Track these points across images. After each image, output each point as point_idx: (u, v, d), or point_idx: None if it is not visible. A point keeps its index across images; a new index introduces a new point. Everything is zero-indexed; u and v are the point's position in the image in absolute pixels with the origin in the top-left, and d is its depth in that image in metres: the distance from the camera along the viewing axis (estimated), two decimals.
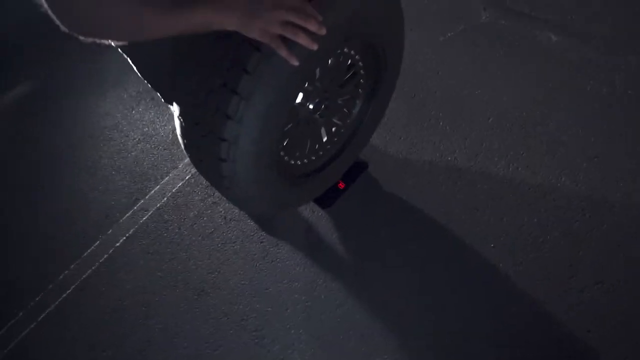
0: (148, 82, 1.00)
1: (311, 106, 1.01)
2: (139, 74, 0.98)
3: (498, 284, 1.19)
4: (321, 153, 1.18)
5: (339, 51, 0.96)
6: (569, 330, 1.09)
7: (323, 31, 0.65)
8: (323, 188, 1.28)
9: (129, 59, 0.93)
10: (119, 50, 0.92)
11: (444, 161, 1.45)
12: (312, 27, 0.63)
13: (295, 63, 0.68)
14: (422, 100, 1.62)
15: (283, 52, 0.66)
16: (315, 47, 0.66)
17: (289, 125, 0.99)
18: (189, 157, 0.95)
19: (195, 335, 1.26)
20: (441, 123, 1.55)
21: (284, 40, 0.66)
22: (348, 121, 1.19)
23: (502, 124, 1.49)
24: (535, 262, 1.20)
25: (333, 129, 1.17)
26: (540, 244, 1.23)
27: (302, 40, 0.64)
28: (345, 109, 1.15)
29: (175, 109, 0.88)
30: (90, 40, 0.64)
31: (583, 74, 1.55)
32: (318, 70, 0.95)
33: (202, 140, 0.84)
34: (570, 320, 1.10)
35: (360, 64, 1.06)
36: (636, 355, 1.04)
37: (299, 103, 0.99)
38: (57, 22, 0.59)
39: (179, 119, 0.87)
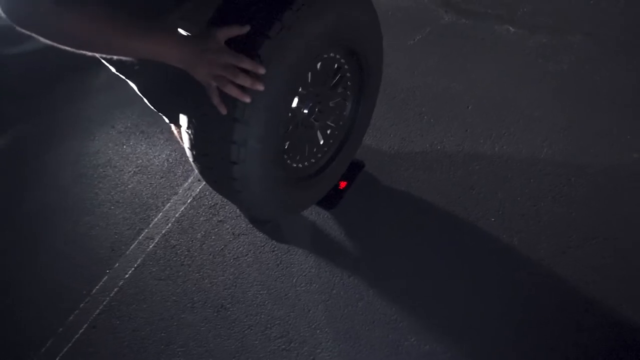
0: (150, 102, 1.04)
1: (306, 110, 1.09)
2: (140, 95, 1.02)
3: (504, 253, 1.26)
4: (320, 155, 1.25)
5: (325, 56, 1.05)
6: (573, 284, 1.16)
7: (261, 70, 0.73)
8: (325, 190, 1.34)
9: (129, 82, 0.98)
10: (119, 75, 0.97)
11: (434, 150, 1.54)
12: (248, 65, 0.72)
13: (247, 100, 0.75)
14: (403, 100, 1.73)
15: (234, 92, 0.73)
16: (260, 87, 0.74)
17: (289, 129, 1.06)
18: (197, 168, 0.99)
19: (221, 352, 1.25)
20: (425, 117, 1.66)
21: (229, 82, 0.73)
22: (341, 122, 1.27)
23: (481, 109, 1.61)
24: (535, 228, 1.28)
25: (328, 132, 1.25)
26: (535, 211, 1.31)
27: (242, 80, 0.72)
28: (337, 111, 1.23)
29: (182, 121, 0.93)
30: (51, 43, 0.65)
31: (542, 57, 1.71)
32: (310, 74, 1.03)
33: (210, 147, 0.89)
34: (574, 274, 1.17)
35: (346, 67, 1.16)
36: (632, 301, 1.11)
37: (295, 107, 1.06)
38: (12, 23, 0.60)
39: (187, 132, 0.92)
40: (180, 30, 0.87)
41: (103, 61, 0.90)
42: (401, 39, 1.95)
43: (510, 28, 1.85)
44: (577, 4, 1.85)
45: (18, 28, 0.61)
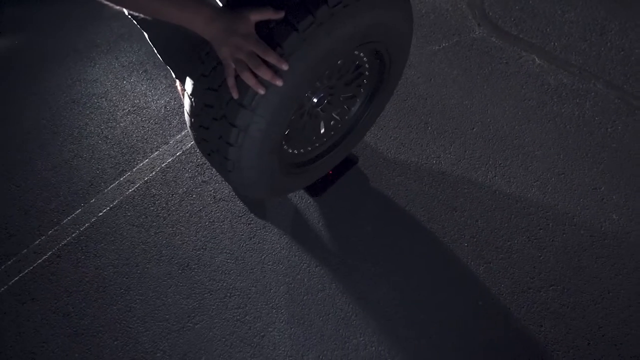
0: (161, 55, 1.00)
1: (315, 100, 1.06)
2: (152, 46, 0.98)
3: (468, 279, 1.29)
4: (317, 145, 1.23)
5: (349, 55, 1.01)
6: (526, 323, 1.21)
7: (285, 66, 0.72)
8: (315, 177, 1.33)
9: (143, 31, 0.94)
10: (134, 21, 0.92)
11: (430, 163, 1.54)
12: (273, 60, 0.70)
13: (261, 92, 0.74)
14: (413, 105, 1.71)
15: (251, 82, 0.72)
16: (279, 83, 0.73)
17: (294, 117, 1.03)
18: (194, 135, 0.97)
19: (178, 309, 1.28)
20: (429, 128, 1.64)
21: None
22: (347, 117, 1.25)
23: (485, 134, 1.60)
24: (502, 262, 1.32)
25: (331, 123, 1.23)
26: (508, 247, 1.35)
27: (263, 72, 0.71)
28: (345, 106, 1.21)
29: (187, 86, 0.90)
30: None
31: (558, 97, 1.70)
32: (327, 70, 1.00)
33: (212, 122, 0.87)
34: (528, 315, 1.22)
35: (367, 66, 1.12)
36: (578, 348, 1.17)
37: (305, 96, 1.03)
38: None
39: (190, 98, 0.89)
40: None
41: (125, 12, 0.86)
42: (427, 43, 1.90)
43: (536, 59, 1.82)
44: (615, 49, 1.81)
45: None
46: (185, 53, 0.93)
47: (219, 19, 0.70)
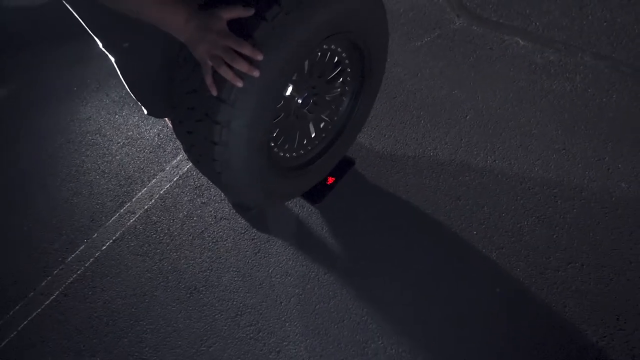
0: (130, 88, 1.00)
1: (300, 101, 1.06)
2: (126, 86, 0.99)
3: (482, 267, 1.25)
4: (310, 148, 1.23)
5: (326, 47, 1.02)
6: (549, 306, 1.16)
7: (259, 57, 0.74)
8: (311, 183, 1.32)
9: (112, 59, 0.94)
10: (112, 60, 0.93)
11: (427, 156, 1.52)
12: (247, 51, 0.72)
13: (239, 84, 0.75)
14: (403, 101, 1.71)
15: (228, 75, 0.74)
16: (256, 73, 0.74)
17: (279, 117, 1.03)
18: (183, 146, 0.97)
19: (189, 334, 1.25)
20: (422, 121, 1.63)
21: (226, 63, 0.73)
22: (336, 118, 1.24)
23: (479, 120, 1.59)
24: (515, 246, 1.28)
25: (321, 125, 1.22)
26: (518, 229, 1.31)
27: (239, 64, 0.72)
28: (333, 106, 1.21)
29: (170, 98, 0.91)
30: None
31: (547, 74, 1.68)
32: (306, 63, 1.00)
33: (196, 125, 0.87)
34: (550, 296, 1.18)
35: (347, 62, 1.12)
36: (607, 325, 1.12)
37: (288, 96, 1.03)
38: None
39: (174, 106, 0.90)
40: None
41: (92, 35, 0.88)
42: (409, 39, 1.91)
43: (520, 41, 1.82)
44: (597, 21, 1.81)
45: None
46: (155, 81, 0.94)
47: (193, 19, 0.72)
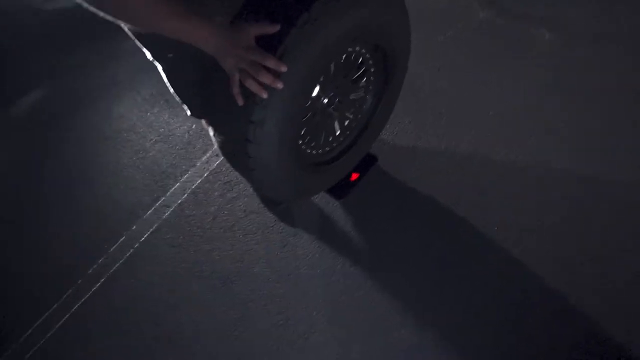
0: (176, 91, 1.08)
1: (325, 100, 1.11)
2: (167, 80, 1.06)
3: (506, 264, 1.29)
4: (335, 145, 1.28)
5: (350, 49, 1.06)
6: (568, 302, 1.20)
7: (283, 69, 0.78)
8: (337, 178, 1.38)
9: (160, 68, 1.01)
10: (159, 69, 1.00)
11: (450, 152, 1.55)
12: (272, 64, 0.77)
13: (264, 95, 0.80)
14: (425, 98, 1.72)
15: (253, 87, 0.79)
16: (279, 85, 0.79)
17: (307, 116, 1.09)
18: (218, 142, 1.04)
19: (224, 320, 1.35)
20: (444, 118, 1.65)
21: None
22: (360, 116, 1.29)
23: (501, 116, 1.59)
24: (536, 242, 1.30)
25: (346, 123, 1.27)
26: (540, 226, 1.33)
27: (264, 77, 0.77)
28: (357, 104, 1.25)
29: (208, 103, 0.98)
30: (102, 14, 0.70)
31: (574, 69, 1.66)
32: (333, 65, 1.05)
33: (231, 124, 0.94)
34: (570, 293, 1.21)
35: (370, 62, 1.16)
36: (632, 324, 1.14)
37: (315, 96, 1.08)
38: None
39: (211, 110, 0.98)
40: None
41: (139, 45, 0.95)
42: (432, 34, 1.90)
43: (547, 34, 1.79)
44: (637, 14, 1.75)
45: None
46: (197, 86, 1.01)
47: (222, 34, 0.77)
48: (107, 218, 1.69)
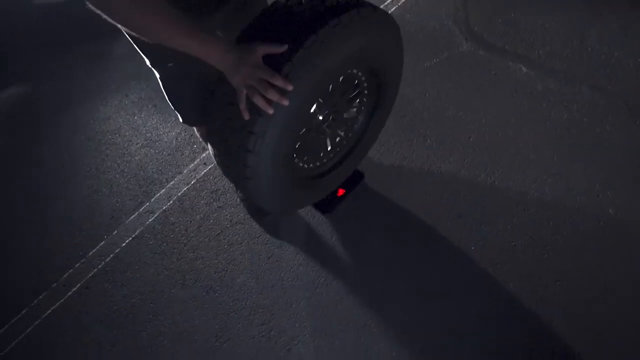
0: (170, 98, 1.10)
1: (320, 117, 1.17)
2: (162, 88, 1.08)
3: (478, 281, 1.36)
4: (325, 160, 1.33)
5: (348, 71, 1.12)
6: (537, 319, 1.28)
7: (289, 87, 0.83)
8: (325, 193, 1.42)
9: (154, 70, 1.03)
10: (157, 76, 1.02)
11: (432, 173, 1.63)
12: (279, 83, 0.82)
13: (270, 111, 0.85)
14: (411, 120, 1.81)
15: (260, 103, 0.83)
16: (285, 102, 0.84)
17: (302, 131, 1.13)
18: (214, 152, 1.06)
19: (205, 330, 1.34)
20: (428, 140, 1.74)
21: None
22: (350, 134, 1.35)
23: (481, 142, 1.70)
24: (509, 262, 1.39)
25: (337, 140, 1.33)
26: (512, 247, 1.42)
27: (271, 95, 0.82)
28: (349, 123, 1.31)
29: (209, 107, 1.01)
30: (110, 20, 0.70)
31: (547, 102, 1.80)
32: (331, 85, 1.11)
33: (232, 134, 0.97)
34: (538, 310, 1.29)
35: (365, 84, 1.23)
36: (592, 341, 1.23)
37: (311, 113, 1.13)
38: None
39: (212, 117, 1.00)
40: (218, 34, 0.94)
41: (138, 51, 0.97)
42: (419, 60, 2.01)
43: (523, 68, 1.93)
44: (595, 54, 1.93)
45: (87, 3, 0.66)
46: (194, 95, 1.03)
47: (232, 52, 0.81)
48: (87, 221, 1.65)
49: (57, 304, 1.44)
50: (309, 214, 1.56)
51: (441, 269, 1.39)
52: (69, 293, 1.47)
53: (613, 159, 1.60)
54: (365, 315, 1.32)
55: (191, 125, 1.23)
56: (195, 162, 1.79)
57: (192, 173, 1.76)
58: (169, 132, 1.93)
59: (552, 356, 1.21)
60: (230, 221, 1.59)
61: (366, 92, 1.26)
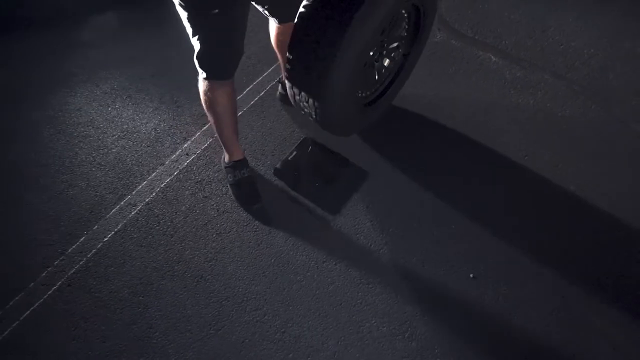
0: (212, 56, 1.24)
1: (371, 53, 1.42)
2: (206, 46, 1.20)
3: (461, 253, 1.45)
4: (373, 90, 1.61)
5: (400, 10, 1.39)
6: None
7: None
8: (374, 117, 1.69)
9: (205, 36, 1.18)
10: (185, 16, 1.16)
11: (408, 158, 1.70)
12: None
13: None
14: (390, 106, 1.87)
15: None
16: None
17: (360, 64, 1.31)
18: (291, 59, 1.21)
19: (198, 319, 1.34)
20: (405, 126, 1.81)
21: None
22: (394, 63, 1.61)
23: (455, 127, 1.79)
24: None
25: (383, 71, 1.58)
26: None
27: None
28: (393, 54, 1.56)
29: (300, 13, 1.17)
30: None
31: (515, 89, 1.92)
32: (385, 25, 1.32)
33: (314, 62, 1.17)
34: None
35: (407, 20, 1.50)
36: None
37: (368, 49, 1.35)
38: None
39: (302, 20, 1.17)
40: None
41: (180, 8, 1.13)
42: None
43: (492, 57, 2.04)
44: (555, 44, 2.08)
45: None
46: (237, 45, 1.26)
47: None
48: (64, 217, 1.58)
49: (37, 303, 1.38)
50: (297, 201, 1.59)
51: (428, 240, 1.47)
52: (49, 292, 1.41)
53: (573, 140, 1.75)
54: (356, 294, 1.38)
55: (223, 78, 1.31)
56: (177, 153, 1.76)
57: (174, 164, 1.72)
58: (147, 123, 1.87)
59: None
60: (217, 210, 1.58)
61: (407, 27, 1.51)
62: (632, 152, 1.71)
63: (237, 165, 1.56)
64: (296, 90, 1.30)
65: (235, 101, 1.45)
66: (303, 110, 1.38)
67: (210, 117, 1.45)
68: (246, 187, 1.57)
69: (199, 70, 1.29)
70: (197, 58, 1.25)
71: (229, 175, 1.58)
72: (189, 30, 1.19)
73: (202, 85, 1.35)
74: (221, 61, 1.28)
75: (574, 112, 1.83)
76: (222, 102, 1.38)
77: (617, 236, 1.48)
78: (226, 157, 1.59)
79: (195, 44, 1.22)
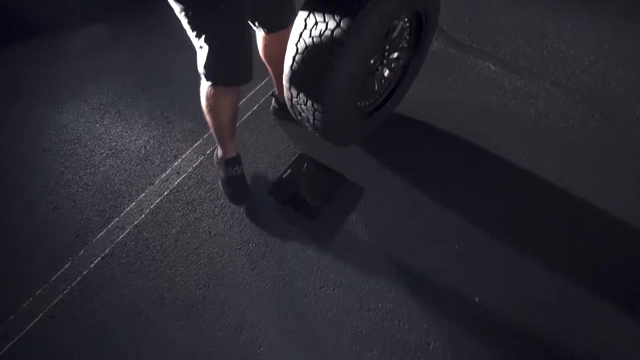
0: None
1: (372, 61, 1.38)
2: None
3: (462, 279, 1.39)
4: (372, 100, 1.58)
5: (402, 16, 1.37)
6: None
7: None
8: (373, 126, 1.65)
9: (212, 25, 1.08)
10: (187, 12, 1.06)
11: (407, 173, 1.64)
12: None
13: None
14: (386, 122, 1.81)
15: None
16: None
17: (362, 73, 1.29)
18: (300, 57, 1.17)
19: (189, 351, 1.26)
20: (404, 141, 1.75)
21: None
22: (393, 77, 1.59)
23: (455, 140, 1.73)
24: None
25: (382, 82, 1.56)
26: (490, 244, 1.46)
27: None
28: (394, 67, 1.55)
29: (301, 15, 1.16)
30: None
31: (515, 98, 1.87)
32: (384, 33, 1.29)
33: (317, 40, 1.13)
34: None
35: (409, 30, 1.48)
36: None
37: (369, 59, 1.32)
38: None
39: (304, 22, 1.15)
40: None
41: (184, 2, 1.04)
42: None
43: (491, 66, 1.99)
44: (554, 51, 2.03)
45: None
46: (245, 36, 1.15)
47: None
48: (48, 242, 1.50)
49: (16, 338, 1.30)
50: (295, 223, 1.52)
51: (425, 271, 1.41)
52: (31, 324, 1.32)
53: (576, 150, 1.69)
54: (356, 322, 1.31)
55: (233, 84, 1.23)
56: (167, 172, 1.69)
57: (164, 183, 1.65)
58: (136, 140, 1.80)
59: None
60: (209, 233, 1.51)
61: (409, 33, 1.48)
62: (637, 159, 1.66)
63: (230, 163, 1.50)
64: (294, 92, 1.25)
65: (238, 105, 1.35)
66: (299, 114, 1.31)
67: (208, 119, 1.36)
68: (237, 184, 1.52)
69: (204, 78, 1.19)
70: (203, 65, 1.14)
71: (221, 171, 1.52)
72: (192, 33, 1.09)
73: (204, 89, 1.24)
74: (233, 62, 1.15)
75: (576, 121, 1.78)
76: (226, 111, 1.30)
77: (622, 245, 1.43)
78: (219, 153, 1.53)
79: (202, 47, 1.10)
